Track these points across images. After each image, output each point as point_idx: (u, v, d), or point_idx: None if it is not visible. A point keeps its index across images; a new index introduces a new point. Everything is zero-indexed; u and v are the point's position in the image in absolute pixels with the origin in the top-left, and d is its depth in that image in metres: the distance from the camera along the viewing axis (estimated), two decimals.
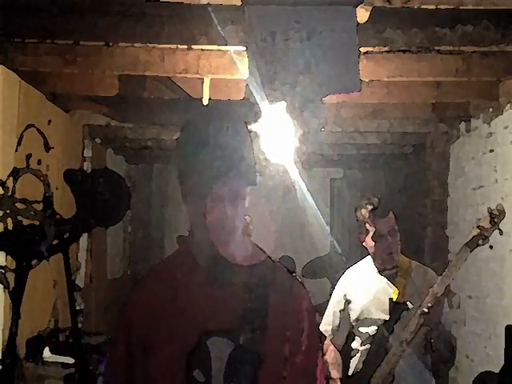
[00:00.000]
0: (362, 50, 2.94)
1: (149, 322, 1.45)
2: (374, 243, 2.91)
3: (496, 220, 2.65)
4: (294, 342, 1.46)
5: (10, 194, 3.57)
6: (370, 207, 2.91)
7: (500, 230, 2.68)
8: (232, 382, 1.40)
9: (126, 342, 1.47)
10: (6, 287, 3.35)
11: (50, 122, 4.20)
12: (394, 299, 2.87)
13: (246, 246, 1.53)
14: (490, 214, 2.66)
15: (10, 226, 3.48)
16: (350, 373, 3.02)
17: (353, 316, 3.01)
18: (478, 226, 2.66)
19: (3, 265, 3.31)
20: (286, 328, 1.46)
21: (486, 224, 2.66)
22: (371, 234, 2.91)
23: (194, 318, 1.43)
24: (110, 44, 3.23)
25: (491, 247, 2.69)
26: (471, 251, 2.66)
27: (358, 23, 2.60)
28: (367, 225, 2.92)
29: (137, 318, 1.48)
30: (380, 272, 2.98)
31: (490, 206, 2.75)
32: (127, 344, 1.47)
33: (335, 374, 3.09)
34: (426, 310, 2.60)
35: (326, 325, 3.18)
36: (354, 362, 3.02)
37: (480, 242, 2.66)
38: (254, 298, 1.44)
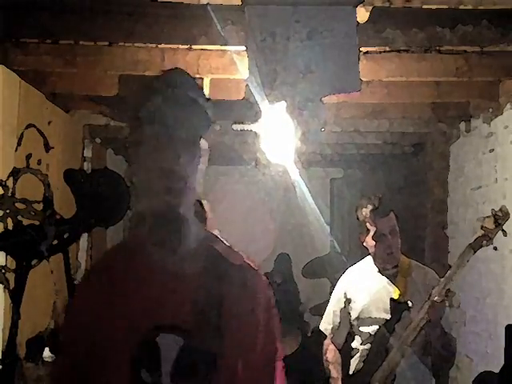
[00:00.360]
0: (362, 49, 2.94)
1: (95, 320, 1.34)
2: (374, 243, 2.91)
3: (500, 221, 2.65)
4: (251, 340, 1.36)
5: (10, 194, 3.57)
6: (370, 207, 2.91)
7: (504, 231, 2.68)
8: (182, 382, 1.30)
9: (72, 344, 1.38)
10: (6, 287, 3.35)
11: (50, 122, 4.20)
12: (395, 298, 2.87)
13: (199, 228, 1.43)
14: (494, 215, 2.66)
15: (10, 226, 3.48)
16: (351, 372, 3.02)
17: (353, 315, 3.01)
18: (482, 227, 2.66)
19: (3, 265, 3.31)
20: (242, 324, 1.36)
21: (490, 225, 2.66)
22: (372, 233, 2.91)
23: (142, 312, 1.33)
24: (110, 44, 3.23)
25: (495, 248, 2.70)
26: (475, 252, 2.66)
27: (358, 23, 2.61)
28: (368, 224, 2.92)
29: (82, 318, 1.37)
30: (380, 272, 2.98)
31: (490, 205, 2.76)
32: (73, 346, 1.38)
33: (335, 373, 3.09)
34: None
35: (326, 324, 3.19)
36: (354, 362, 3.02)
37: (484, 243, 2.66)
38: (207, 290, 1.34)
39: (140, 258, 1.37)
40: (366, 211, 2.93)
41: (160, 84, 1.39)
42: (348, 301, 3.05)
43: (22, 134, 3.73)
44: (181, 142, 1.34)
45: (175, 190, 1.32)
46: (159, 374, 1.29)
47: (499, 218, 2.65)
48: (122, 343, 1.31)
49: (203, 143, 1.40)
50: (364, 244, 3.00)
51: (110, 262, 1.42)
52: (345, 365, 3.11)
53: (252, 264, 1.45)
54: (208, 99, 1.43)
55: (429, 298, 2.69)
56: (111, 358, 1.31)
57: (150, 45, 3.18)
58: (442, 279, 2.70)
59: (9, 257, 3.19)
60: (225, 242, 1.46)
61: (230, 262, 1.40)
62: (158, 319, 1.31)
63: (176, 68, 1.46)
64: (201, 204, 1.46)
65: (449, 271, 2.69)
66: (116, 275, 1.37)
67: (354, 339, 3.05)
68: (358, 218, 2.99)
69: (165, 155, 1.33)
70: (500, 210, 2.67)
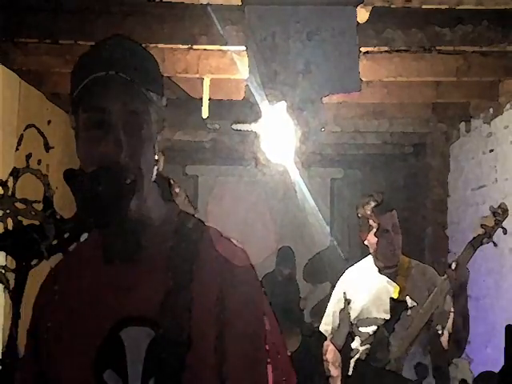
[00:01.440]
0: (362, 49, 2.94)
1: (53, 320, 1.20)
2: (376, 239, 2.90)
3: (500, 219, 2.65)
4: (232, 328, 1.16)
5: (9, 193, 3.57)
6: (373, 203, 2.91)
7: (504, 228, 2.68)
8: (153, 378, 1.12)
9: (34, 345, 1.23)
10: (6, 287, 3.35)
11: (49, 122, 4.20)
12: (395, 298, 2.87)
13: (167, 210, 1.26)
14: (494, 212, 2.66)
15: (10, 226, 3.48)
16: (350, 373, 3.01)
17: (353, 315, 3.01)
18: (482, 225, 2.66)
19: (3, 265, 3.31)
20: (220, 310, 1.15)
21: (489, 223, 2.66)
22: (374, 230, 2.91)
23: (103, 305, 1.17)
24: None
25: (495, 244, 2.69)
26: (475, 250, 2.66)
27: (358, 23, 2.61)
28: (370, 221, 2.91)
29: (41, 317, 1.23)
30: (380, 271, 2.98)
31: (490, 205, 2.75)
32: (34, 348, 1.23)
33: (334, 372, 3.09)
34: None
35: (326, 325, 3.18)
36: (353, 362, 3.01)
37: (484, 240, 2.66)
38: (176, 272, 1.16)
39: (98, 250, 1.21)
40: (368, 208, 2.92)
41: (94, 58, 1.21)
42: (348, 301, 3.05)
43: (21, 134, 3.74)
44: (123, 128, 1.15)
45: (119, 187, 1.12)
46: (126, 373, 1.13)
47: (498, 216, 2.65)
48: (82, 342, 1.16)
49: (152, 121, 1.22)
50: (365, 242, 3.00)
51: (73, 256, 1.20)
52: (344, 365, 3.10)
53: (233, 240, 1.25)
54: (152, 71, 1.24)
55: (430, 297, 2.70)
56: (71, 359, 1.17)
57: (150, 45, 3.18)
58: (443, 278, 2.69)
59: (9, 257, 3.19)
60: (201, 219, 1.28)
61: (202, 236, 1.22)
62: (121, 311, 1.15)
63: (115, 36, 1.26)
64: (168, 182, 1.31)
65: (448, 269, 2.68)
66: (77, 267, 1.21)
67: (353, 339, 3.05)
68: (359, 216, 2.99)
69: (103, 146, 1.15)
70: (499, 207, 2.67)
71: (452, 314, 2.68)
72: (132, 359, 1.13)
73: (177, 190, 1.32)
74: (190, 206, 1.35)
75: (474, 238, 2.67)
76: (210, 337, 1.15)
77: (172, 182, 1.33)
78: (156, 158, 1.23)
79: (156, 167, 1.23)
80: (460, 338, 2.76)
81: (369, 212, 2.91)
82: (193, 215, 1.30)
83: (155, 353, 1.13)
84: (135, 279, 1.18)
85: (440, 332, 2.77)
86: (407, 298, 2.87)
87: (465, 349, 2.89)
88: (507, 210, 2.68)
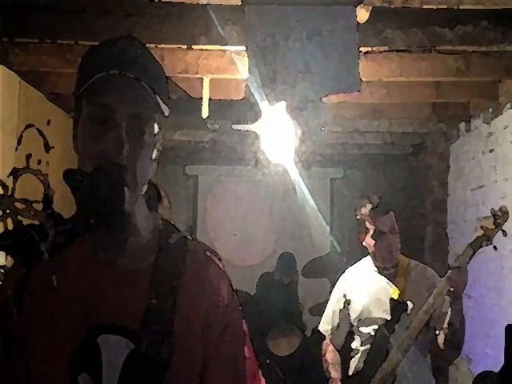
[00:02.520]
0: (362, 49, 2.94)
1: (28, 315, 1.19)
2: (374, 242, 2.91)
3: (500, 221, 2.65)
4: (208, 347, 1.18)
5: (9, 193, 3.58)
6: (370, 206, 2.91)
7: (504, 231, 2.67)
8: None
9: (4, 339, 1.22)
10: None
11: (49, 121, 4.20)
12: (395, 298, 2.87)
13: (153, 219, 1.26)
14: (494, 215, 2.66)
15: (10, 226, 3.48)
16: (350, 373, 3.01)
17: (353, 316, 3.01)
18: (482, 227, 2.66)
19: (3, 265, 3.31)
20: (200, 328, 1.18)
21: (489, 225, 2.66)
22: (371, 232, 2.91)
23: (84, 308, 1.17)
24: None
25: (495, 248, 2.69)
26: (474, 252, 2.66)
27: (358, 23, 2.61)
28: (367, 223, 2.92)
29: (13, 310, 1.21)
30: (380, 271, 2.98)
31: (489, 205, 2.75)
32: (4, 341, 1.21)
33: (334, 373, 3.09)
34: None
35: (326, 324, 3.19)
36: (354, 362, 3.01)
37: (483, 243, 2.66)
38: (159, 287, 1.17)
39: (84, 253, 1.20)
40: (365, 210, 2.93)
41: (102, 55, 1.21)
42: (347, 301, 3.05)
43: (21, 134, 3.74)
44: (126, 129, 1.15)
45: (118, 188, 1.12)
46: (100, 379, 1.14)
47: (499, 218, 2.65)
48: (59, 342, 1.16)
49: (154, 130, 1.22)
50: (363, 244, 3.00)
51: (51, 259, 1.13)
52: (344, 365, 3.10)
53: (214, 257, 1.27)
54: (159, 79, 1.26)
55: (429, 298, 2.70)
56: (47, 358, 1.16)
57: (150, 45, 3.18)
58: (443, 279, 2.69)
59: (9, 257, 3.18)
60: (184, 233, 1.28)
61: (185, 255, 1.22)
62: (102, 317, 1.16)
63: (124, 37, 1.24)
64: (158, 191, 1.31)
65: (449, 272, 2.68)
66: (56, 270, 1.18)
67: (353, 340, 3.05)
68: (357, 218, 2.99)
69: (104, 143, 1.14)
70: (499, 209, 2.67)
71: (449, 315, 2.69)
72: (108, 367, 1.14)
73: (166, 203, 1.31)
74: (171, 213, 1.34)
75: (474, 239, 2.67)
76: (194, 363, 1.17)
77: (161, 191, 1.33)
78: (152, 167, 1.23)
79: (149, 176, 1.22)
80: (457, 339, 2.77)
81: (365, 214, 2.92)
82: (175, 228, 1.29)
83: (132, 365, 1.13)
84: (118, 288, 1.18)
85: (437, 333, 2.78)
86: (407, 298, 2.87)
87: (461, 350, 2.89)
88: (507, 213, 2.68)
